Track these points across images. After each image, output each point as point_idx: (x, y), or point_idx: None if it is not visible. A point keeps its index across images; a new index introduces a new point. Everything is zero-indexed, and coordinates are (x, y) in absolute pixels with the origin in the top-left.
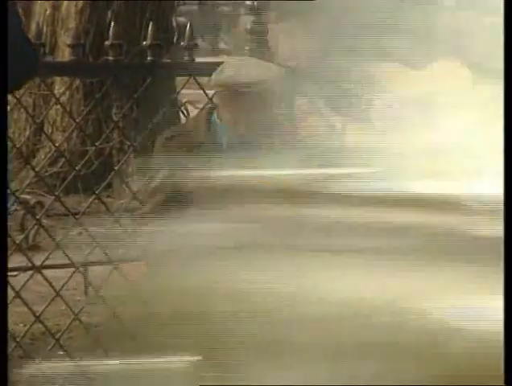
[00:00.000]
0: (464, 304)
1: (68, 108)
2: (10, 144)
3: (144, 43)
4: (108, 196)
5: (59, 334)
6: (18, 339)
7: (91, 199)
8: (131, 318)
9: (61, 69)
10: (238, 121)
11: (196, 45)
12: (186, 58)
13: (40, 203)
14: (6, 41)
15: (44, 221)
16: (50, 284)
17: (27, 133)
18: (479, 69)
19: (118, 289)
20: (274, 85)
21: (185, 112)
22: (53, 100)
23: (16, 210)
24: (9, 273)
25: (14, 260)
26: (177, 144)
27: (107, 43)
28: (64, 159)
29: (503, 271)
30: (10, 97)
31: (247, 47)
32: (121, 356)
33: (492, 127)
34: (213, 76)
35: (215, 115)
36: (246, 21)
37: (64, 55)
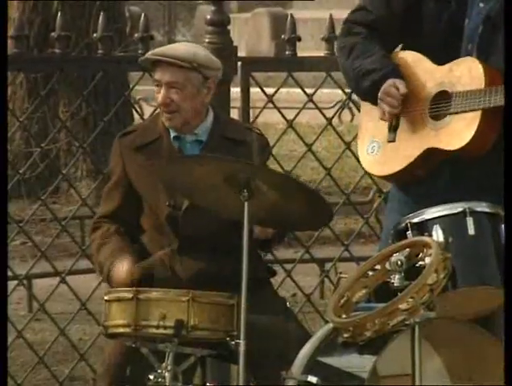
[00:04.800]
0: None
1: (10, 106)
2: None
3: (94, 34)
4: (54, 202)
5: None
6: None
7: (36, 206)
8: None
9: None
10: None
11: (151, 37)
12: (140, 51)
13: None
14: (5, 40)
15: None
16: None
17: None
18: None
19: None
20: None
21: (139, 110)
22: None
23: None
24: None
25: None
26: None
27: (53, 34)
28: None
29: (503, 271)
30: None
31: (206, 39)
32: None
33: None
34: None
35: None
36: (206, 11)
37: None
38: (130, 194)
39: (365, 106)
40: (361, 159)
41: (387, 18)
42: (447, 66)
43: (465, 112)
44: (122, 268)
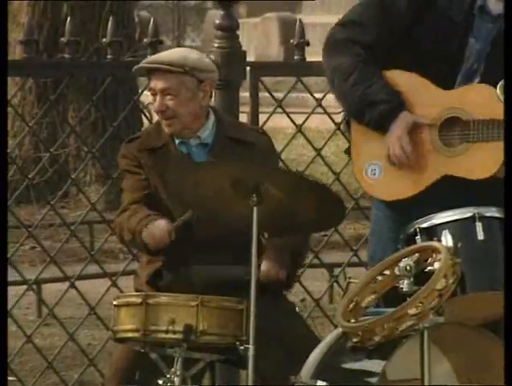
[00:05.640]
0: None
1: (19, 111)
2: None
3: (103, 39)
4: (63, 207)
5: (9, 358)
6: None
7: (45, 210)
8: None
9: (12, 68)
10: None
11: (160, 42)
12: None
13: None
14: (6, 41)
15: None
16: None
17: None
18: None
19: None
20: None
21: (148, 115)
22: None
23: None
24: None
25: None
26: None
27: (63, 39)
28: (15, 166)
29: (504, 271)
30: None
31: (216, 44)
32: None
33: None
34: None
35: None
36: (215, 15)
37: (16, 52)
38: (150, 188)
39: (357, 124)
40: (359, 181)
41: (385, 35)
42: (455, 91)
43: (487, 141)
44: (160, 226)
